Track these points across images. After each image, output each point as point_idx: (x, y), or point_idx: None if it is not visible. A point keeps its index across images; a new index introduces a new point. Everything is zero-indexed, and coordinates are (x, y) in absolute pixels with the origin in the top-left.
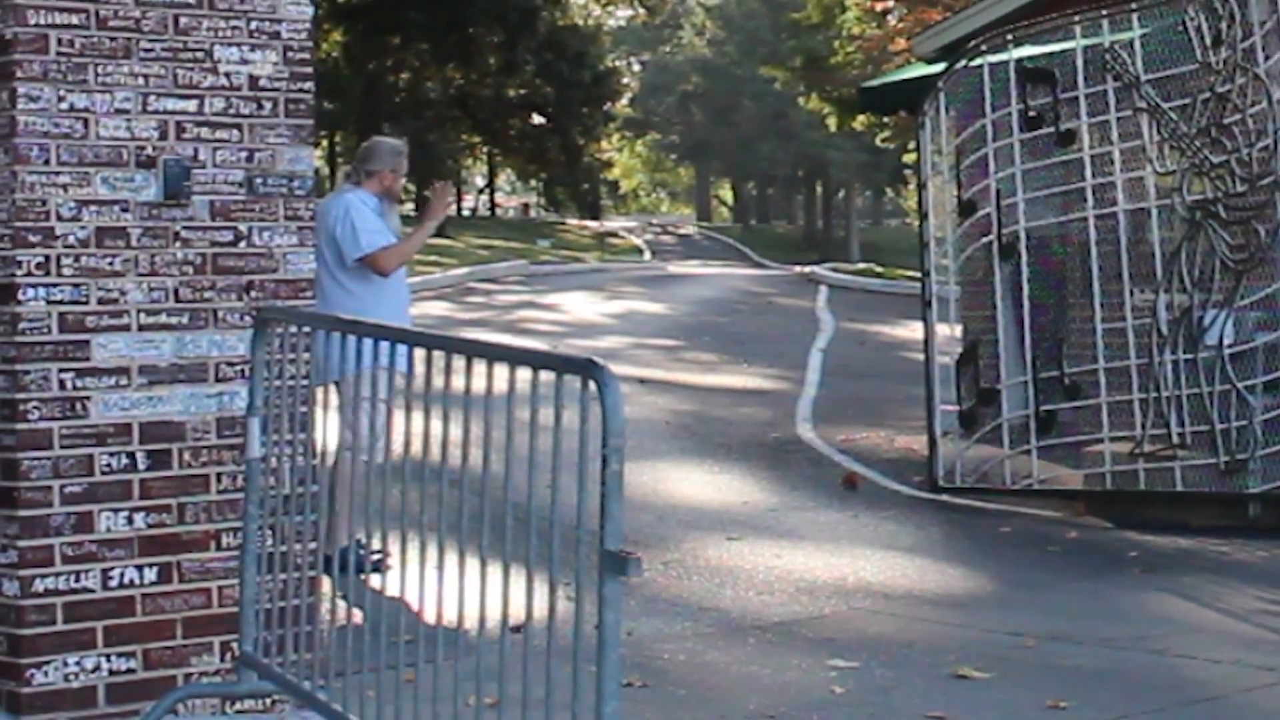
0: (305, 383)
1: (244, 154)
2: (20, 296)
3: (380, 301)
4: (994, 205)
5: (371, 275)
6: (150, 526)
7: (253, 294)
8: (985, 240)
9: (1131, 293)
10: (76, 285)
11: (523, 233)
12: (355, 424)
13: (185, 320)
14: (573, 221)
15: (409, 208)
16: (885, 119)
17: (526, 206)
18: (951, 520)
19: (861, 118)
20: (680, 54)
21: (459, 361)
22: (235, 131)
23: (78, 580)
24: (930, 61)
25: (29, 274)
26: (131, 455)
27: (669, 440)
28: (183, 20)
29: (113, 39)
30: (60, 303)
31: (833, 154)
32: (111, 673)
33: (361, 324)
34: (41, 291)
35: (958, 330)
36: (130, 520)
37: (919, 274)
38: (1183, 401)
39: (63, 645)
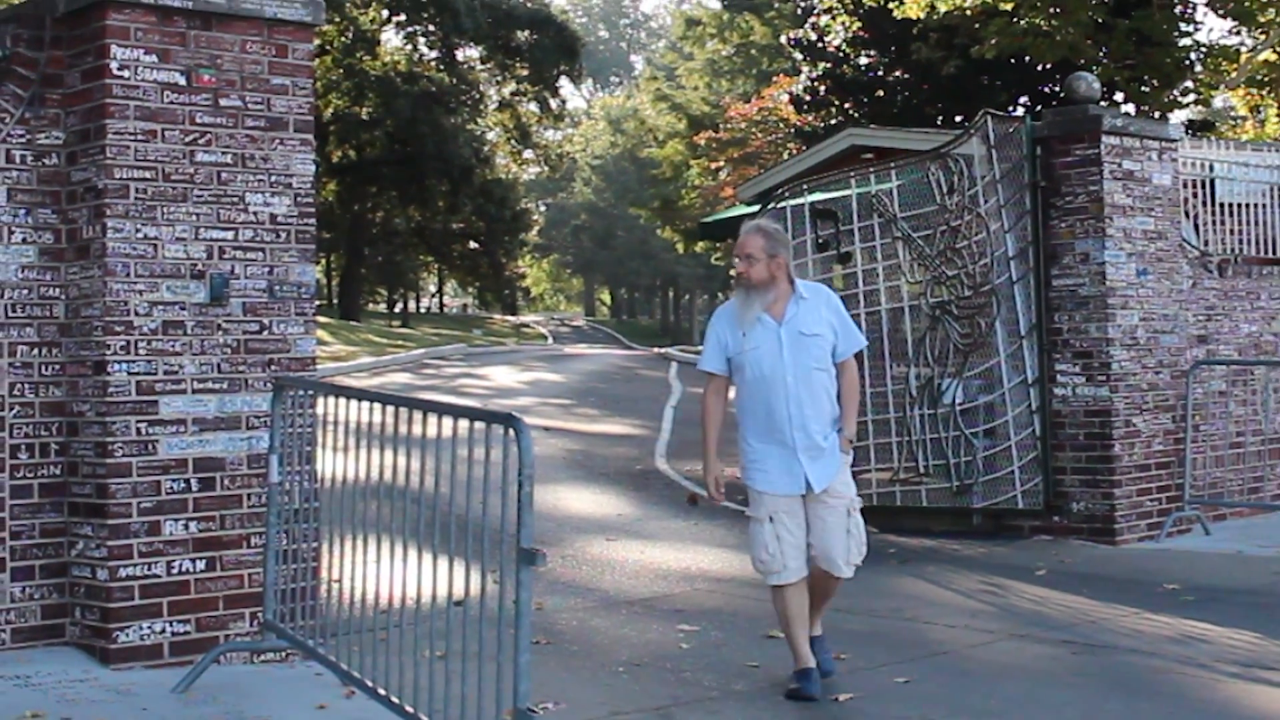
0: (310, 429)
1: (266, 269)
2: (109, 370)
3: (742, 400)
4: None
5: (735, 378)
6: (201, 531)
7: (272, 368)
8: None
9: (891, 366)
10: (148, 361)
11: (462, 324)
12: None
13: (225, 386)
14: (497, 316)
15: (381, 306)
16: (718, 244)
17: (465, 306)
18: None
19: (701, 243)
20: (573, 199)
21: (417, 415)
22: (260, 253)
23: (150, 569)
24: (749, 203)
25: (115, 354)
26: (187, 481)
27: (565, 470)
28: (223, 175)
29: (174, 188)
30: (137, 374)
31: (681, 269)
32: (173, 634)
33: (351, 388)
34: (124, 366)
35: None
36: (187, 527)
37: None
38: (926, 443)
39: (139, 615)
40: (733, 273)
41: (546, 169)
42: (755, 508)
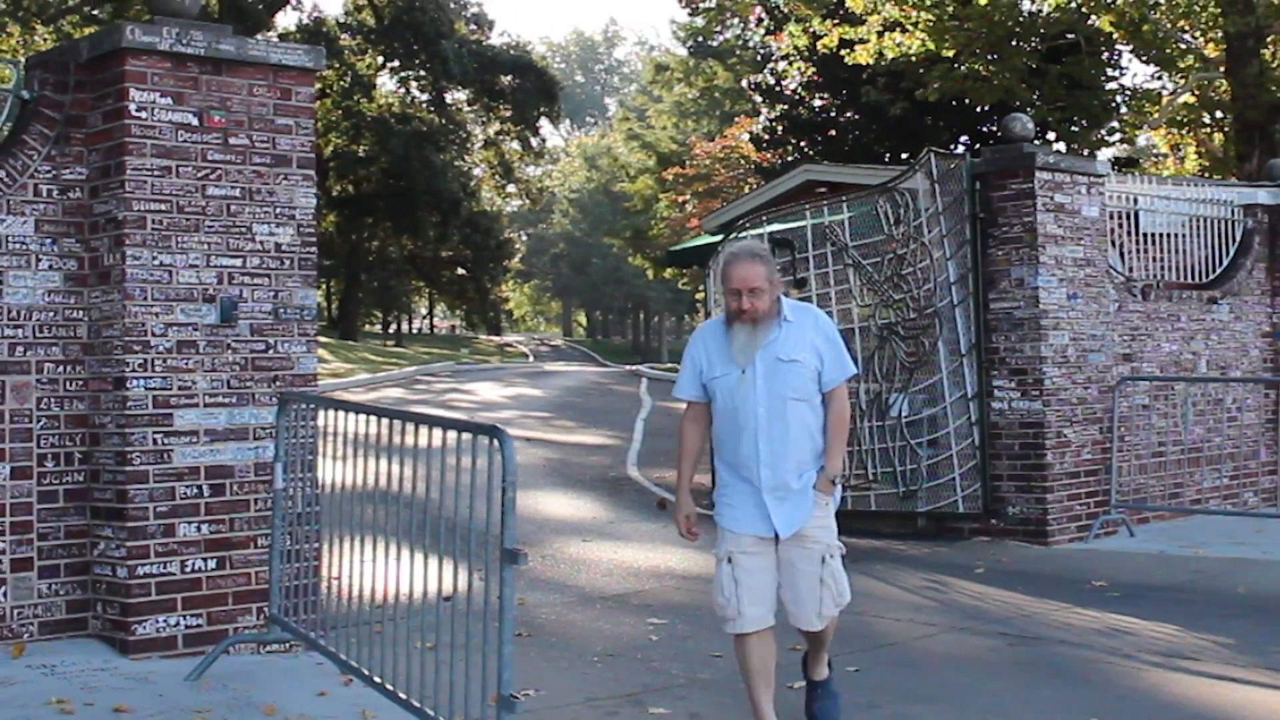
0: (311, 439)
1: (272, 293)
2: (128, 385)
3: (715, 428)
4: None
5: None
6: (212, 533)
7: (277, 383)
8: None
9: None
10: (164, 378)
11: (451, 344)
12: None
13: (234, 400)
14: (483, 337)
15: (376, 327)
16: (684, 271)
17: (454, 327)
18: None
19: (669, 270)
20: (552, 229)
21: (410, 426)
22: (266, 279)
23: (165, 568)
24: (713, 233)
25: (134, 370)
26: (200, 487)
27: (544, 477)
28: (233, 207)
29: (188, 219)
30: (154, 389)
31: (650, 293)
32: (187, 627)
33: (349, 402)
34: (142, 382)
35: None
36: (199, 529)
37: None
38: (875, 452)
39: (155, 609)
40: (721, 305)
41: (528, 202)
42: (717, 545)
